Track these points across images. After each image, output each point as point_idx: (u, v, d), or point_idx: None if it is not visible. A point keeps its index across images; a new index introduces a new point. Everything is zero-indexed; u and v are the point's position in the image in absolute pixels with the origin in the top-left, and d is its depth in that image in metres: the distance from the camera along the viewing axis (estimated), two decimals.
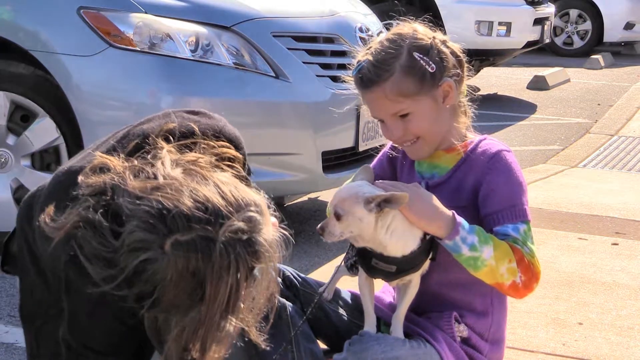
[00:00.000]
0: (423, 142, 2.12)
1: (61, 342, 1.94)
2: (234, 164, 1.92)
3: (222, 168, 1.88)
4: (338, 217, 2.00)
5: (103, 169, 1.75)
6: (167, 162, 1.76)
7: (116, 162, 1.75)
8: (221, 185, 1.71)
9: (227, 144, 1.96)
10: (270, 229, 1.73)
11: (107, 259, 1.67)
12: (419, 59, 2.04)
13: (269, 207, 1.78)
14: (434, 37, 2.09)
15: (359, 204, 1.98)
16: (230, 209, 1.67)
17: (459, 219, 2.01)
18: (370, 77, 2.06)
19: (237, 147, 2.05)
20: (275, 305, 1.83)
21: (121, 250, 1.64)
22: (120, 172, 1.72)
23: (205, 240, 1.63)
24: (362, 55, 2.12)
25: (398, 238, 2.01)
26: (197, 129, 1.98)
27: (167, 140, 1.88)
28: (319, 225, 2.01)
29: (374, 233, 2.00)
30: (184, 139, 1.93)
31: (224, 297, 1.65)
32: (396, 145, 2.26)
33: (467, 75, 2.16)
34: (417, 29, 2.11)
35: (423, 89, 2.05)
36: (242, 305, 1.69)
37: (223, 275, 1.64)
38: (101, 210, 1.68)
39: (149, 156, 1.80)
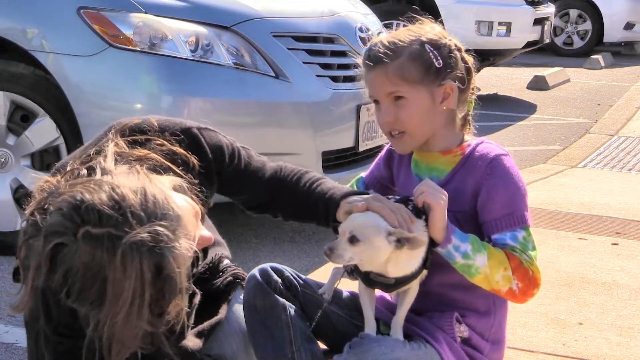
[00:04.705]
0: (408, 137, 2.13)
1: (41, 334, 1.95)
2: (188, 168, 1.99)
3: (171, 169, 1.93)
4: (353, 241, 1.95)
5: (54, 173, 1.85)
6: (109, 156, 1.83)
7: (52, 179, 1.82)
8: (149, 188, 1.72)
9: (183, 149, 2.00)
10: (184, 243, 1.71)
11: (33, 246, 1.72)
12: (429, 50, 2.07)
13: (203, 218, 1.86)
14: (450, 39, 2.12)
15: (381, 234, 1.95)
16: (142, 214, 1.67)
17: (452, 227, 2.02)
18: (377, 56, 2.09)
19: (216, 154, 2.09)
20: (182, 320, 1.80)
21: (41, 234, 1.69)
22: (55, 182, 1.78)
23: (112, 239, 1.65)
24: (380, 37, 2.14)
25: (401, 266, 2.01)
26: (156, 125, 2.03)
27: (124, 135, 1.98)
28: (327, 246, 1.96)
29: (382, 263, 1.99)
30: (140, 134, 1.99)
31: (126, 300, 1.65)
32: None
33: (472, 92, 2.15)
34: (435, 28, 2.15)
35: (424, 80, 2.07)
36: (148, 311, 1.68)
37: (125, 278, 1.65)
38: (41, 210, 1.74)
39: (92, 151, 1.92)
